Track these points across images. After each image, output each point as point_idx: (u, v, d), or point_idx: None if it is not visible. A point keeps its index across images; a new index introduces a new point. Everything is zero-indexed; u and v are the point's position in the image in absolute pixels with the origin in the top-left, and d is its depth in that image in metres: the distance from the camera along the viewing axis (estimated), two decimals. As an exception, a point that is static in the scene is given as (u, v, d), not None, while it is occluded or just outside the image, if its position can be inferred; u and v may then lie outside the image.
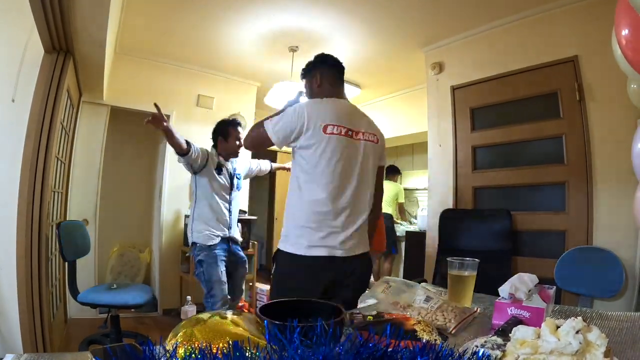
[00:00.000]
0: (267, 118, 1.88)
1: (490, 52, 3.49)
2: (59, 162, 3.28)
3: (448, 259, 1.39)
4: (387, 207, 5.98)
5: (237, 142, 3.15)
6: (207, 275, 2.98)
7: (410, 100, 5.33)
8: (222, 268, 3.04)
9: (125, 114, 4.62)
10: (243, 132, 3.11)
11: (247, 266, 3.37)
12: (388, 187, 6.11)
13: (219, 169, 3.09)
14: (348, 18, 3.50)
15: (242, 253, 3.29)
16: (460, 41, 3.72)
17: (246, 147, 2.13)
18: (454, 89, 3.72)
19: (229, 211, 3.16)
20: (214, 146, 3.22)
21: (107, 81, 3.98)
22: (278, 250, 1.84)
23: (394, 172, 6.30)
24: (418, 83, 4.86)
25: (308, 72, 2.08)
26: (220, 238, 3.05)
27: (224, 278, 3.03)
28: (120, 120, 4.75)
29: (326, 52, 2.17)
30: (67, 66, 2.82)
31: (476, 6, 3.22)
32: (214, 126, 3.25)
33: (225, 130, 3.17)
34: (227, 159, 3.20)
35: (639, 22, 1.59)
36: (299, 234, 1.77)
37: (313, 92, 2.05)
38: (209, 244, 3.01)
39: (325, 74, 2.04)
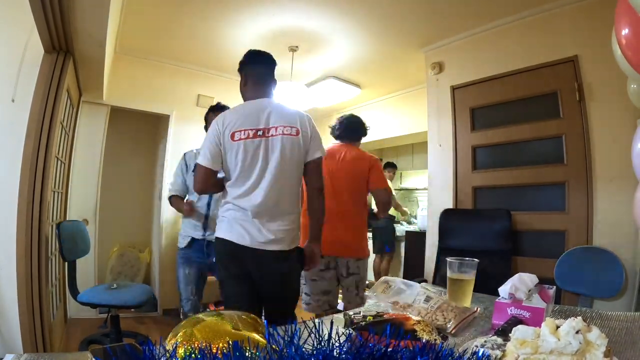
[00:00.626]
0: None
1: (490, 52, 3.48)
2: (59, 162, 3.28)
3: (447, 259, 1.40)
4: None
5: None
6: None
7: (410, 100, 5.32)
8: (188, 270, 2.95)
9: (125, 113, 4.62)
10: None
11: None
12: None
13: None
14: (348, 18, 3.50)
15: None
16: (460, 41, 3.72)
17: (199, 192, 2.16)
18: (453, 88, 3.72)
19: (207, 209, 2.91)
20: None
21: (107, 81, 3.97)
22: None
23: (385, 168, 6.17)
24: (418, 83, 4.86)
25: (239, 70, 2.15)
26: (190, 239, 2.89)
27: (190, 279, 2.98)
28: (120, 120, 4.75)
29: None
30: (67, 66, 2.81)
31: (476, 6, 3.22)
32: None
33: (207, 119, 3.10)
34: None
35: (639, 22, 1.59)
36: None
37: (243, 94, 2.15)
38: (181, 246, 2.95)
39: (249, 73, 2.10)
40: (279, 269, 1.94)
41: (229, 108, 2.58)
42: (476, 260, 1.37)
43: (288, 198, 1.98)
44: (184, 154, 3.05)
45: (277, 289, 1.98)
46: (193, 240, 2.87)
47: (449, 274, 1.39)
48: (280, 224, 1.94)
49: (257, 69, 2.10)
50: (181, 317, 3.00)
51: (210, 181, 1.97)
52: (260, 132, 1.92)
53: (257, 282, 1.94)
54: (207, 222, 2.84)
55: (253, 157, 1.91)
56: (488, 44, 3.51)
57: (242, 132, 1.91)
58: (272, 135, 1.93)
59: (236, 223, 1.91)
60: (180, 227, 3.01)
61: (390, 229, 5.95)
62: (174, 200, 2.97)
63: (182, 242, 2.91)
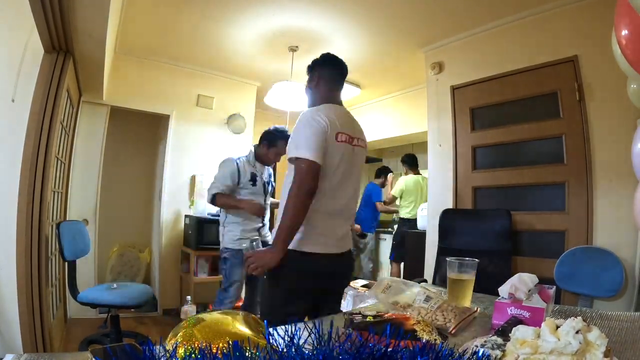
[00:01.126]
0: (293, 157, 1.80)
1: (490, 52, 3.48)
2: (59, 161, 3.28)
3: (447, 259, 1.39)
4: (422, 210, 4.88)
5: (275, 157, 3.20)
6: (229, 274, 3.16)
7: (410, 100, 5.32)
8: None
9: (125, 113, 4.63)
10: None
11: None
12: (419, 181, 5.38)
13: (253, 180, 3.16)
14: (348, 18, 3.50)
15: None
16: (460, 41, 3.72)
17: (310, 191, 1.76)
18: (453, 88, 3.72)
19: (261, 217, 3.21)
20: (258, 145, 3.26)
21: (107, 81, 3.98)
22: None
23: (415, 163, 5.58)
24: (418, 83, 4.86)
25: (310, 69, 2.10)
26: (249, 241, 2.97)
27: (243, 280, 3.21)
28: (120, 120, 4.75)
29: (326, 51, 2.17)
30: (67, 66, 2.81)
31: (476, 6, 3.22)
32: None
33: (273, 141, 3.16)
34: (262, 163, 3.26)
35: (638, 22, 1.59)
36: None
37: (312, 93, 2.07)
38: (237, 248, 3.08)
39: (323, 75, 2.04)
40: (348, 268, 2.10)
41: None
42: (476, 260, 1.36)
43: (354, 206, 2.07)
44: (236, 162, 3.17)
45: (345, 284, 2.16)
46: (251, 241, 2.86)
47: (449, 274, 1.39)
48: (348, 228, 2.00)
49: (334, 72, 2.08)
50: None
51: (317, 180, 1.78)
52: (351, 139, 1.92)
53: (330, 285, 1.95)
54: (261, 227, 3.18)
55: (348, 162, 1.89)
56: (488, 44, 3.51)
57: (343, 135, 1.87)
58: (356, 145, 1.95)
59: (327, 233, 1.86)
60: (235, 228, 3.15)
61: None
62: (221, 196, 3.11)
63: (242, 245, 3.02)
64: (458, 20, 3.47)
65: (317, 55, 2.13)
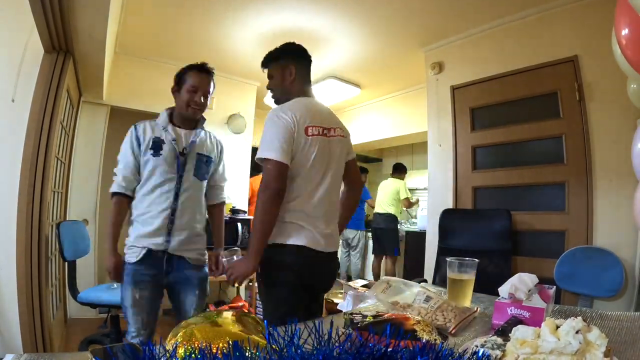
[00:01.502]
0: (260, 159, 1.72)
1: (490, 52, 3.49)
2: (59, 162, 3.28)
3: (447, 259, 1.40)
4: (387, 207, 5.98)
5: (190, 97, 2.14)
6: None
7: (410, 100, 5.33)
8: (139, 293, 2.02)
9: (125, 113, 4.62)
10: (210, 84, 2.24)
11: (201, 288, 2.18)
12: (387, 184, 6.11)
13: (155, 148, 2.07)
14: (348, 17, 3.50)
15: (190, 271, 2.12)
16: (460, 41, 3.72)
17: (276, 192, 1.65)
18: (453, 88, 3.72)
19: (172, 211, 2.06)
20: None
21: (107, 81, 3.98)
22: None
23: (397, 170, 6.29)
24: (418, 83, 4.86)
25: (278, 59, 2.00)
26: (146, 250, 2.02)
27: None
28: (120, 120, 4.74)
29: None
30: (67, 66, 2.81)
31: (476, 6, 3.22)
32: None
33: (181, 76, 2.20)
34: (183, 125, 2.21)
35: (638, 22, 1.59)
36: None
37: (285, 90, 1.94)
38: (130, 260, 2.03)
39: (299, 67, 1.96)
40: (335, 268, 2.00)
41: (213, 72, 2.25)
42: (476, 260, 1.36)
43: (337, 200, 1.95)
44: (134, 127, 2.14)
45: (328, 288, 1.99)
46: (149, 252, 2.01)
47: (449, 273, 1.39)
48: (334, 227, 1.90)
49: (307, 66, 2.01)
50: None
51: (286, 180, 1.70)
52: (326, 131, 1.83)
53: (315, 287, 1.88)
54: (173, 228, 2.04)
55: (322, 156, 1.79)
56: (488, 44, 3.51)
57: (314, 127, 1.78)
58: (332, 136, 1.86)
59: (307, 227, 1.75)
60: (129, 232, 2.12)
61: (395, 231, 5.96)
62: (115, 203, 2.14)
63: (133, 255, 2.02)
64: (458, 20, 3.47)
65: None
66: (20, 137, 2.56)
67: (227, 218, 4.44)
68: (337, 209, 1.95)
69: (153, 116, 2.29)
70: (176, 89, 2.20)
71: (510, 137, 3.29)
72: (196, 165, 2.15)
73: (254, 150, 5.28)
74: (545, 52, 3.10)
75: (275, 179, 1.66)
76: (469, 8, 3.26)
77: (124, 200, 2.13)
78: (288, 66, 1.95)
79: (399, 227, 6.10)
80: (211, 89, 2.23)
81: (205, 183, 2.26)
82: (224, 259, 1.84)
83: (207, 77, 2.19)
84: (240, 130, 5.14)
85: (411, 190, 7.17)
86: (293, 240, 1.72)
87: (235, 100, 5.18)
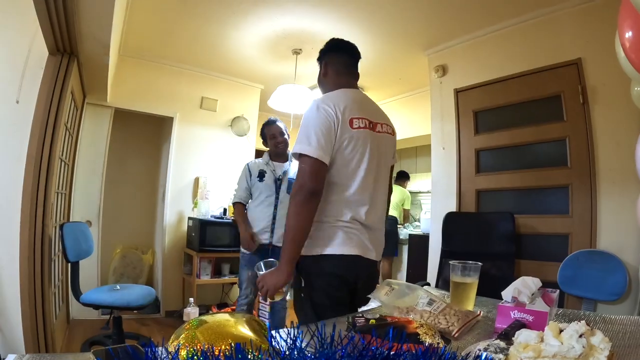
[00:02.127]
0: (296, 153, 1.57)
1: (493, 55, 3.48)
2: (63, 163, 3.29)
3: (450, 262, 1.39)
4: (392, 210, 6.00)
5: (274, 142, 3.26)
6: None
7: (413, 103, 5.33)
8: (251, 272, 3.15)
9: (129, 115, 4.64)
10: (281, 127, 3.26)
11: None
12: (394, 192, 6.14)
13: (261, 176, 3.24)
14: (351, 21, 3.51)
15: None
16: (464, 44, 3.72)
17: (313, 190, 1.49)
18: (457, 91, 3.72)
19: (273, 217, 3.19)
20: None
21: (111, 83, 3.99)
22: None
23: (402, 177, 6.39)
24: (421, 86, 4.86)
25: (318, 59, 1.89)
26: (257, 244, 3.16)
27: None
28: (124, 122, 4.77)
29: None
30: (71, 68, 2.83)
31: (479, 9, 3.22)
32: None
33: (262, 132, 3.36)
34: (276, 160, 3.32)
35: (643, 25, 1.59)
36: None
37: (323, 84, 1.87)
38: (249, 251, 3.18)
39: (330, 62, 1.83)
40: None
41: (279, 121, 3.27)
42: (479, 263, 1.36)
43: (384, 203, 1.80)
44: (247, 165, 3.37)
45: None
46: (260, 245, 3.16)
47: (452, 277, 1.38)
48: (381, 235, 1.75)
49: (341, 57, 1.84)
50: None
51: (324, 178, 1.55)
52: (372, 125, 1.67)
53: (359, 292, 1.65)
54: (274, 227, 3.14)
55: (371, 153, 1.63)
56: (491, 47, 3.50)
57: (360, 120, 1.61)
58: (379, 132, 1.70)
59: (355, 235, 1.60)
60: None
61: (395, 233, 5.98)
62: (237, 207, 3.31)
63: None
64: (461, 23, 3.47)
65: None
66: (24, 139, 2.57)
67: (229, 221, 4.46)
68: (383, 217, 1.76)
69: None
70: (264, 142, 3.38)
71: (513, 140, 3.29)
72: (288, 186, 3.15)
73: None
74: (549, 55, 3.09)
75: (310, 178, 1.49)
76: (473, 11, 3.26)
77: (242, 206, 3.31)
78: (323, 62, 1.85)
79: (399, 230, 6.13)
80: (284, 130, 3.28)
81: None
82: (260, 272, 1.61)
83: (275, 125, 3.26)
84: (243, 133, 5.15)
85: (414, 193, 7.19)
86: (339, 250, 1.57)
87: (238, 103, 5.19)
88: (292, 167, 3.24)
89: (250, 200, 3.32)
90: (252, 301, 3.28)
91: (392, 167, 1.89)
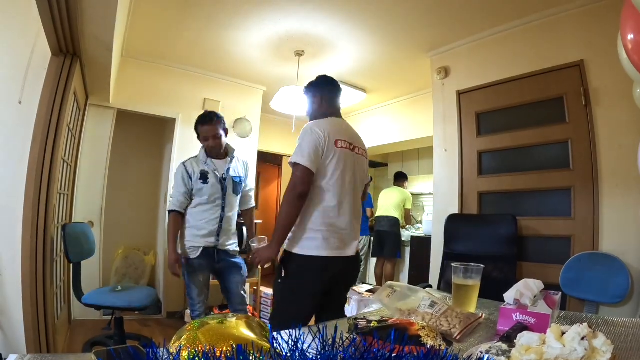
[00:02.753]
0: (292, 162, 2.03)
1: (495, 57, 3.48)
2: (65, 164, 3.30)
3: (452, 264, 1.39)
4: (393, 211, 6.00)
5: (207, 141, 2.91)
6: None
7: (415, 105, 5.33)
8: (202, 277, 2.90)
9: (131, 116, 4.65)
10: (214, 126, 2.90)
11: (242, 269, 3.04)
12: (395, 193, 6.16)
13: (204, 178, 2.89)
14: (354, 23, 3.51)
15: (234, 259, 3.01)
16: (466, 46, 3.72)
17: (301, 194, 1.99)
18: (459, 93, 3.72)
19: (220, 219, 2.91)
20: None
21: (114, 84, 4.00)
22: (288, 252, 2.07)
23: (401, 178, 6.40)
24: (424, 88, 4.86)
25: (309, 90, 2.36)
26: (202, 248, 2.86)
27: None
28: (127, 123, 4.78)
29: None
30: (74, 69, 2.83)
31: (482, 11, 3.22)
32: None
33: (196, 129, 2.98)
34: (215, 158, 2.96)
35: (646, 27, 1.58)
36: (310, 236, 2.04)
37: (315, 110, 2.30)
38: (193, 256, 2.85)
39: (324, 95, 2.30)
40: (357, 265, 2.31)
41: (220, 115, 2.96)
42: (481, 265, 1.36)
43: (360, 210, 2.25)
44: (183, 165, 2.94)
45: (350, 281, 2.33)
46: (204, 249, 2.87)
47: (454, 279, 1.38)
48: (355, 233, 2.18)
49: (333, 93, 2.34)
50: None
51: (311, 183, 2.02)
52: (352, 147, 2.15)
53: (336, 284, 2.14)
54: (220, 231, 2.90)
55: (349, 166, 2.10)
56: (494, 49, 3.50)
57: (343, 142, 2.10)
58: (357, 153, 2.18)
59: (331, 237, 2.04)
60: (186, 237, 2.90)
61: (397, 235, 5.98)
62: (173, 217, 2.90)
63: (194, 253, 2.85)
64: (464, 25, 3.47)
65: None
66: (27, 139, 2.58)
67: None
68: (358, 216, 2.21)
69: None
70: (198, 137, 2.99)
71: (516, 142, 3.28)
72: (234, 186, 2.98)
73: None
74: (551, 56, 3.09)
75: (301, 182, 1.97)
76: (475, 13, 3.26)
77: (180, 216, 2.92)
78: (317, 95, 2.31)
79: (401, 231, 6.13)
80: (220, 131, 2.92)
81: (240, 196, 3.08)
82: (253, 244, 2.28)
83: (211, 127, 2.90)
84: (246, 134, 5.16)
85: (416, 195, 7.19)
86: (315, 252, 2.00)
87: (241, 104, 5.20)
88: (235, 165, 3.03)
89: (188, 206, 2.92)
90: (207, 307, 2.97)
91: (367, 184, 2.38)
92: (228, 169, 2.96)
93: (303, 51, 4.06)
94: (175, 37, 3.99)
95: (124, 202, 5.09)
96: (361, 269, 6.54)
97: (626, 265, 2.57)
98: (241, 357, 0.52)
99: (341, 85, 2.42)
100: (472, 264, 1.36)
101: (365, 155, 2.27)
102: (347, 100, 5.28)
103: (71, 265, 3.01)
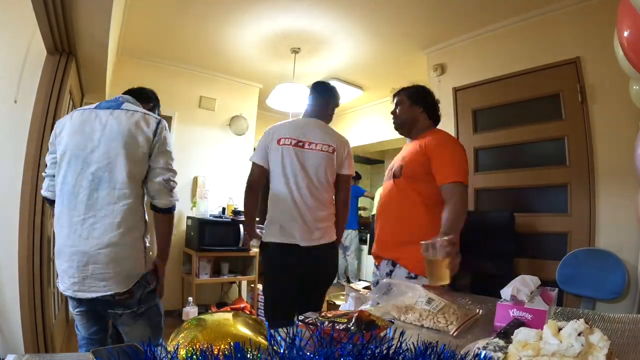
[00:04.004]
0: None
1: (492, 54, 3.48)
2: (61, 163, 3.28)
3: (421, 242, 1.55)
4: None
5: None
6: None
7: (412, 101, 5.32)
8: None
9: (127, 115, 4.62)
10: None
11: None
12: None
13: None
14: (350, 20, 3.51)
15: None
16: (462, 43, 3.72)
17: (251, 182, 2.37)
18: (455, 90, 3.72)
19: None
20: None
21: (110, 83, 3.98)
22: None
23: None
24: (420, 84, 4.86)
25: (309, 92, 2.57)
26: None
27: None
28: (123, 121, 4.76)
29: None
30: (69, 67, 2.82)
31: (478, 8, 3.22)
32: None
33: None
34: None
35: (641, 23, 1.59)
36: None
37: (304, 111, 2.53)
38: None
39: (314, 96, 2.52)
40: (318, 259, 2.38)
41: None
42: (446, 238, 1.54)
43: (318, 202, 2.33)
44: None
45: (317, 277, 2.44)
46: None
47: (425, 256, 1.54)
48: (313, 224, 2.30)
49: (321, 97, 2.52)
50: None
51: (259, 176, 2.34)
52: (300, 143, 2.30)
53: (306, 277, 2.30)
54: None
55: (295, 160, 2.26)
56: (490, 46, 3.51)
57: (287, 139, 2.29)
58: (308, 149, 2.30)
59: (275, 224, 2.26)
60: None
61: None
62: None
63: None
64: (460, 22, 3.47)
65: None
66: (22, 138, 2.56)
67: (228, 220, 4.46)
68: (312, 207, 2.28)
69: None
70: None
71: (512, 139, 3.29)
72: None
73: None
74: (548, 53, 3.09)
75: (250, 175, 2.36)
76: (472, 10, 3.26)
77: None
78: (308, 97, 2.54)
79: None
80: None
81: None
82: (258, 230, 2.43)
83: None
84: (242, 132, 5.15)
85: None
86: (272, 238, 2.25)
87: (237, 102, 5.19)
88: None
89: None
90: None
91: (348, 175, 2.49)
92: None
93: (299, 48, 4.06)
94: (171, 35, 3.97)
95: (120, 200, 5.07)
96: (355, 264, 6.60)
97: (622, 261, 2.58)
98: (239, 355, 0.53)
99: (336, 82, 2.54)
100: (438, 239, 1.53)
101: (327, 151, 2.35)
102: (343, 97, 5.25)
103: (68, 264, 2.99)
